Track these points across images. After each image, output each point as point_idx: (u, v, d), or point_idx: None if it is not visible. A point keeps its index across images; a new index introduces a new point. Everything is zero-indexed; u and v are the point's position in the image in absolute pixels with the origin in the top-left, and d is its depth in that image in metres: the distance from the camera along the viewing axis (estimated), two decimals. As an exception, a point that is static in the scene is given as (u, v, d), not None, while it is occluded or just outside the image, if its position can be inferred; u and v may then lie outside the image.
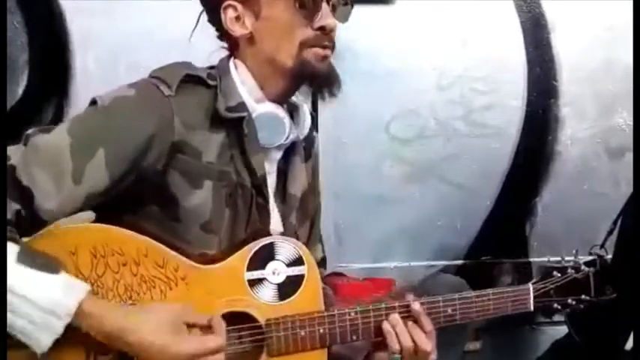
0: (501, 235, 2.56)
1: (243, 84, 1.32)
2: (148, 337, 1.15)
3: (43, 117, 2.27)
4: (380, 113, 2.48)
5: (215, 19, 1.35)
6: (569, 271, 1.44)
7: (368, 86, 2.44)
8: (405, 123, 2.50)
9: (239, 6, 1.30)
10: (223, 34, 1.35)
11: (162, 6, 2.22)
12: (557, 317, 2.06)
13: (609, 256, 1.98)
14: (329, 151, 2.41)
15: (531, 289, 1.42)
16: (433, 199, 2.54)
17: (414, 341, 1.33)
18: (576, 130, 2.58)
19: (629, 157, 2.60)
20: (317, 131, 1.51)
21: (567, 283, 1.43)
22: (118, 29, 2.25)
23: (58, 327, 1.12)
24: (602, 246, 1.98)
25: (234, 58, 1.35)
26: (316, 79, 1.33)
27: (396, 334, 1.33)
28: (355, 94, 2.43)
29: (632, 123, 2.57)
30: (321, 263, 1.54)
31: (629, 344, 1.81)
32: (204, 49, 1.37)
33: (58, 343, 1.14)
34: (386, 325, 1.34)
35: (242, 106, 1.30)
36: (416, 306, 1.35)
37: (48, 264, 1.14)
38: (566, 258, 1.47)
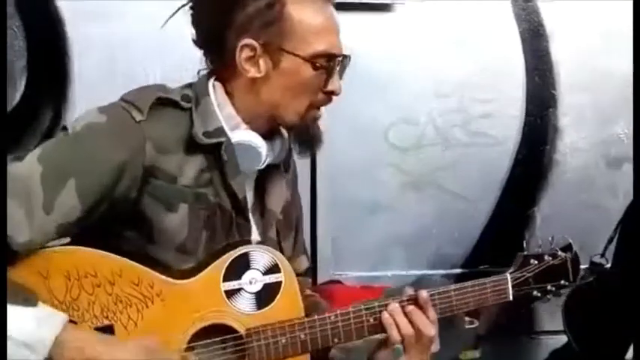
0: (499, 244, 2.55)
1: (220, 109, 1.31)
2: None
3: (40, 122, 2.26)
4: (378, 121, 2.48)
5: (207, 41, 1.33)
6: (546, 258, 1.44)
7: (366, 94, 2.44)
8: (403, 131, 2.50)
9: (259, 48, 1.28)
10: (214, 53, 1.33)
11: (161, 12, 2.21)
12: (555, 326, 2.06)
13: (609, 265, 1.99)
14: (326, 159, 2.41)
15: (509, 278, 1.42)
16: (431, 207, 2.53)
17: (417, 327, 1.33)
18: (575, 139, 2.58)
19: (628, 166, 2.59)
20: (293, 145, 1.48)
21: (545, 269, 1.43)
22: (117, 35, 2.24)
23: None
24: (602, 254, 1.98)
25: (215, 79, 1.34)
26: (307, 137, 1.36)
27: (396, 323, 1.33)
28: (353, 102, 2.42)
29: (630, 132, 2.58)
30: (306, 273, 1.54)
31: (630, 354, 1.80)
32: (200, 54, 1.37)
33: None
34: (385, 316, 1.34)
35: (220, 131, 1.29)
36: (423, 293, 1.34)
37: (26, 298, 1.14)
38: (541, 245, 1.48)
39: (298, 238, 1.53)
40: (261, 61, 1.29)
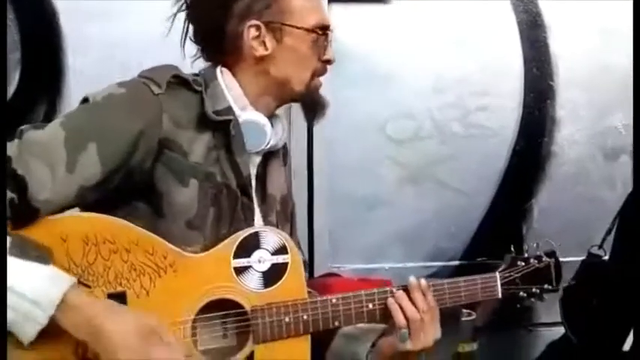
0: (497, 236, 2.55)
1: (229, 91, 1.41)
2: (121, 331, 1.18)
3: (34, 117, 2.24)
4: (375, 114, 2.47)
5: (209, 35, 1.43)
6: (532, 261, 1.55)
7: (363, 87, 2.44)
8: (400, 124, 2.49)
9: (263, 28, 1.41)
10: (216, 44, 1.42)
11: (157, 8, 2.20)
12: (553, 318, 2.06)
13: (606, 257, 1.99)
14: (323, 152, 2.41)
15: (498, 276, 1.52)
16: (429, 200, 2.53)
17: (420, 312, 1.42)
18: (572, 131, 2.58)
19: (625, 158, 2.59)
20: (289, 143, 1.63)
21: (531, 272, 1.54)
22: (112, 30, 2.23)
23: (42, 318, 1.14)
24: (600, 246, 1.98)
25: (222, 67, 1.44)
26: (315, 104, 1.50)
27: (402, 308, 1.41)
28: (351, 96, 2.42)
29: (628, 124, 2.57)
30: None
31: (628, 345, 1.81)
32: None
33: (47, 335, 1.16)
34: (390, 301, 1.42)
35: (229, 110, 1.39)
36: (423, 281, 1.44)
37: (38, 255, 1.17)
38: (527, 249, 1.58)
39: (293, 233, 1.58)
40: (267, 40, 1.41)
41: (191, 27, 1.47)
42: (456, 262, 2.54)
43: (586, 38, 2.54)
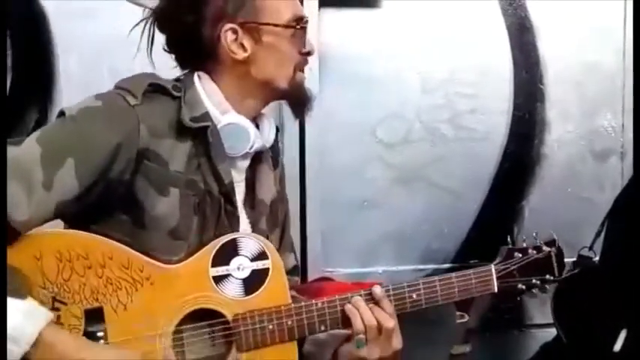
0: (489, 238, 2.55)
1: (209, 96, 1.37)
2: None
3: (26, 119, 2.24)
4: (366, 117, 2.48)
5: (183, 42, 1.39)
6: (530, 251, 1.46)
7: (353, 90, 2.44)
8: (390, 127, 2.50)
9: (239, 30, 1.36)
10: (192, 51, 1.39)
11: (148, 10, 2.20)
12: (545, 319, 2.06)
13: (596, 258, 2.00)
14: (315, 156, 2.41)
15: (493, 269, 1.44)
16: (420, 203, 2.53)
17: (377, 320, 1.36)
18: (562, 133, 2.59)
19: (615, 159, 2.61)
20: (281, 141, 1.59)
21: (529, 263, 1.46)
22: (101, 32, 2.22)
23: (17, 354, 1.13)
24: (590, 247, 1.99)
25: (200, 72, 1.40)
26: (301, 99, 1.46)
27: (360, 314, 1.36)
28: (341, 99, 2.43)
29: (617, 125, 2.59)
30: (293, 271, 1.56)
31: (618, 346, 1.82)
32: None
33: None
34: (348, 306, 1.37)
35: (206, 115, 1.35)
36: (376, 289, 1.39)
37: (14, 289, 1.15)
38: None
39: (285, 236, 1.56)
40: (245, 41, 1.37)
41: (162, 36, 1.42)
42: (449, 265, 2.55)
43: (575, 41, 2.55)
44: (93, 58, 2.23)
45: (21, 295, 1.16)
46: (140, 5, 1.43)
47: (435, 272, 2.52)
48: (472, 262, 2.55)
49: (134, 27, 1.44)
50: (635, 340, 1.81)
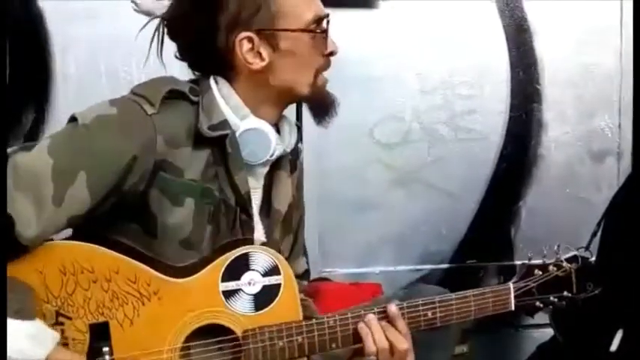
0: (486, 238, 2.56)
1: (227, 101, 1.31)
2: None
3: (23, 119, 2.23)
4: (364, 118, 2.48)
5: (196, 51, 1.32)
6: (551, 268, 1.43)
7: (351, 91, 2.43)
8: (389, 128, 2.50)
9: (255, 38, 1.29)
10: (206, 60, 1.33)
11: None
12: (542, 319, 2.07)
13: (593, 258, 2.00)
14: (313, 157, 2.41)
15: (512, 288, 1.41)
16: (418, 203, 2.53)
17: (389, 341, 1.32)
18: (559, 133, 2.60)
19: (612, 160, 2.61)
20: (302, 142, 1.52)
21: (549, 280, 1.42)
22: (98, 33, 2.22)
23: None
24: (586, 248, 1.99)
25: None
26: (323, 104, 1.38)
27: (372, 333, 1.32)
28: (339, 100, 2.42)
29: (614, 125, 2.59)
30: (304, 276, 1.54)
31: (614, 346, 1.82)
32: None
33: None
34: (361, 325, 1.32)
35: (224, 123, 1.30)
36: (392, 308, 1.34)
37: (19, 310, 1.12)
38: (548, 255, 1.46)
39: (298, 240, 1.51)
40: (262, 50, 1.30)
41: (173, 43, 1.36)
42: (446, 265, 2.55)
43: (572, 42, 2.56)
44: (90, 59, 2.23)
45: (27, 316, 1.13)
46: (147, 14, 1.39)
47: (433, 273, 2.53)
48: (469, 262, 2.56)
49: (140, 31, 1.38)
50: (631, 341, 1.81)
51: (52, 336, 1.15)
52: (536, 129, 2.58)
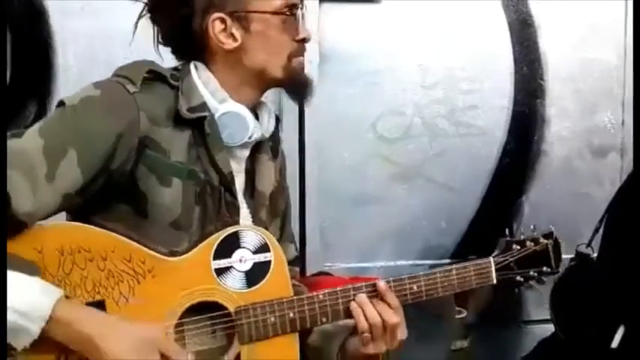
0: (488, 234, 2.55)
1: (206, 85, 1.37)
2: (116, 350, 1.19)
3: (25, 112, 2.24)
4: (365, 113, 2.48)
5: (176, 34, 1.39)
6: (528, 243, 1.47)
7: (353, 86, 2.44)
8: (390, 123, 2.50)
9: (228, 19, 1.35)
10: (185, 43, 1.38)
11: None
12: (543, 314, 2.07)
13: (595, 255, 2.00)
14: (314, 151, 2.41)
15: (492, 262, 1.45)
16: (419, 198, 2.53)
17: (381, 317, 1.36)
18: (562, 129, 2.59)
19: (614, 156, 2.61)
20: (282, 130, 1.57)
21: (527, 255, 1.47)
22: (98, 26, 2.22)
23: (33, 330, 1.14)
24: (588, 244, 1.99)
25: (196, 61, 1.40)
26: (298, 86, 1.45)
27: (364, 311, 1.36)
28: (340, 94, 2.42)
29: (617, 121, 2.59)
30: (294, 262, 1.56)
31: (616, 342, 1.82)
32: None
33: (32, 343, 1.16)
34: (353, 305, 1.37)
35: (203, 106, 1.35)
36: (381, 283, 1.39)
37: (25, 265, 1.16)
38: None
39: (285, 227, 1.56)
40: (234, 31, 1.36)
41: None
42: (447, 260, 2.55)
43: (575, 37, 2.55)
44: (90, 52, 2.23)
45: (30, 271, 1.17)
46: None
47: (434, 268, 2.52)
48: (471, 257, 2.55)
49: (138, 20, 1.43)
50: (632, 337, 1.81)
51: (58, 290, 1.19)
52: (538, 124, 2.58)
